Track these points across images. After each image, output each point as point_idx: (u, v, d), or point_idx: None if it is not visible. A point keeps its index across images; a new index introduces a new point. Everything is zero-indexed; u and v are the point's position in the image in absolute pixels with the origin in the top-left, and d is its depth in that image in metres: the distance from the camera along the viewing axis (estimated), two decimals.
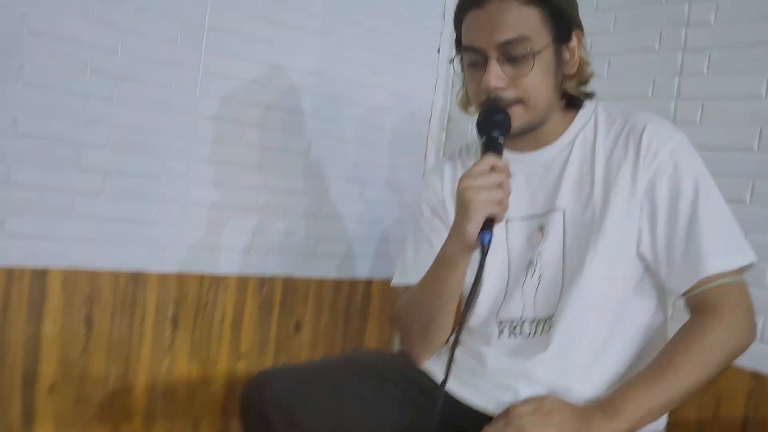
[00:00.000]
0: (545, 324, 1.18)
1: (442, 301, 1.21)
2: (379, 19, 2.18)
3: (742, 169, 1.63)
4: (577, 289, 1.15)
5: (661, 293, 1.20)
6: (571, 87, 1.21)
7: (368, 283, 2.23)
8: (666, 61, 1.79)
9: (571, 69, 1.20)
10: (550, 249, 1.20)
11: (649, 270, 1.17)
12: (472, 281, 1.07)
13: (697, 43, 1.74)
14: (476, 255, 1.09)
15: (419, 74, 2.30)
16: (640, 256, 1.16)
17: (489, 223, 1.07)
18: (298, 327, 2.09)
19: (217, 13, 1.87)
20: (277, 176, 2.01)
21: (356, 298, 2.21)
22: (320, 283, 2.12)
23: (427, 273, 1.23)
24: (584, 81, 1.24)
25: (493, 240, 1.09)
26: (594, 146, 1.20)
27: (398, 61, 2.23)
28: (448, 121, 2.36)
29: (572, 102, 1.24)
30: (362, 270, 2.21)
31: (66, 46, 1.65)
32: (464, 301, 1.11)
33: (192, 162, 1.87)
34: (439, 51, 2.33)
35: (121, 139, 1.75)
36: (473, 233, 1.07)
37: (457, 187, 1.09)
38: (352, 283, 2.20)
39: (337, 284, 2.16)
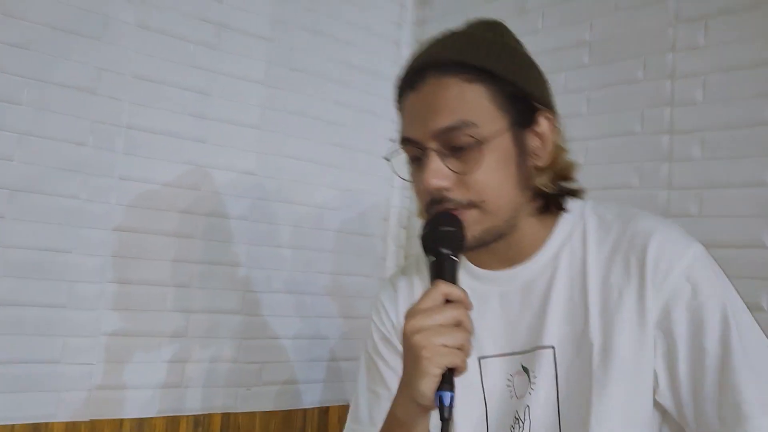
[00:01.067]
0: None
1: None
2: (324, 108, 1.96)
3: (754, 268, 1.40)
4: None
5: None
6: (545, 183, 0.96)
7: (323, 411, 1.93)
8: (651, 144, 1.59)
9: (543, 160, 0.95)
10: (541, 402, 0.94)
11: (668, 419, 0.92)
12: None
13: (685, 125, 1.55)
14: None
15: (372, 167, 2.06)
16: (658, 405, 0.90)
17: (448, 378, 0.81)
18: None
19: (135, 110, 1.63)
20: (207, 294, 1.74)
21: (311, 430, 1.91)
22: (267, 416, 1.83)
23: None
24: (563, 175, 0.98)
25: (467, 381, 0.90)
26: (584, 263, 0.95)
27: (347, 154, 2.00)
28: (408, 218, 2.11)
29: (551, 203, 0.99)
30: (313, 396, 1.91)
31: None
32: None
33: (106, 284, 1.59)
34: (394, 140, 2.11)
35: (17, 263, 1.48)
36: (428, 392, 0.81)
37: (403, 329, 0.83)
38: (305, 413, 1.89)
39: (288, 416, 1.86)
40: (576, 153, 1.74)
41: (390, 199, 2.11)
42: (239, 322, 1.78)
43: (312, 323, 1.92)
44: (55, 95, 1.52)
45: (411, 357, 0.82)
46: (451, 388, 0.80)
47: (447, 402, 0.79)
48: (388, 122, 2.12)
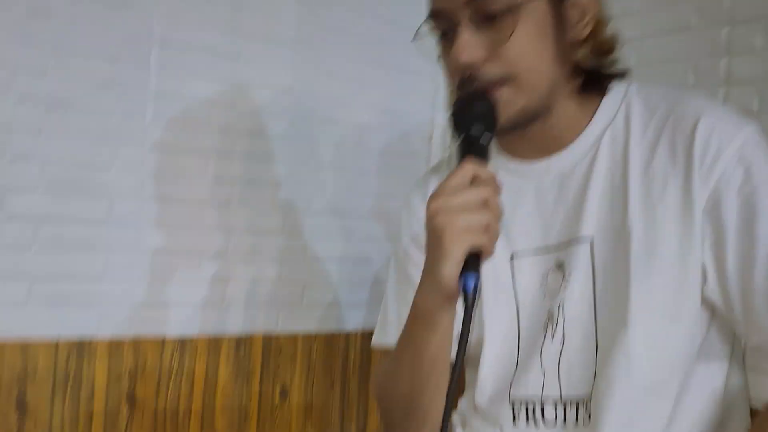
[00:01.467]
0: (578, 408, 0.87)
1: (424, 372, 0.88)
2: (364, 23, 1.89)
3: None
4: (624, 358, 0.84)
5: (737, 346, 0.89)
6: (585, 59, 0.88)
7: (367, 336, 1.88)
8: (708, 37, 1.48)
9: (581, 32, 0.87)
10: (576, 298, 0.89)
11: (718, 318, 0.86)
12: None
13: (745, 13, 1.43)
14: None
15: (415, 86, 1.99)
16: (706, 302, 0.84)
17: (473, 261, 0.75)
18: (284, 394, 1.75)
19: (167, 24, 1.59)
20: (248, 213, 1.71)
21: (354, 354, 1.88)
22: (309, 339, 1.80)
23: (402, 333, 0.91)
24: (605, 50, 0.90)
25: (497, 282, 0.89)
26: (626, 148, 0.88)
27: (389, 72, 1.94)
28: (452, 138, 2.04)
29: (593, 84, 0.91)
30: (357, 320, 1.88)
31: None
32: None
33: (144, 201, 1.58)
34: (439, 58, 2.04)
35: (56, 179, 1.47)
36: (451, 276, 0.75)
37: (426, 209, 0.78)
38: (348, 337, 1.86)
39: (330, 339, 1.83)
40: (627, 55, 1.64)
41: (434, 119, 2.04)
42: (281, 243, 1.75)
43: (355, 246, 1.88)
44: (84, 7, 1.49)
45: (433, 239, 0.77)
46: (477, 271, 0.74)
47: (470, 287, 0.73)
48: (431, 38, 2.04)
